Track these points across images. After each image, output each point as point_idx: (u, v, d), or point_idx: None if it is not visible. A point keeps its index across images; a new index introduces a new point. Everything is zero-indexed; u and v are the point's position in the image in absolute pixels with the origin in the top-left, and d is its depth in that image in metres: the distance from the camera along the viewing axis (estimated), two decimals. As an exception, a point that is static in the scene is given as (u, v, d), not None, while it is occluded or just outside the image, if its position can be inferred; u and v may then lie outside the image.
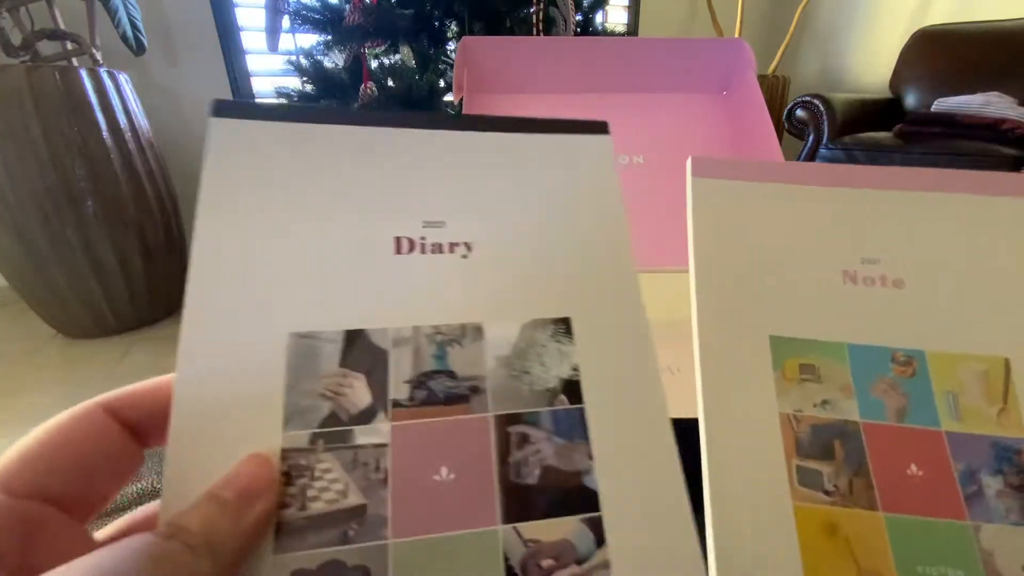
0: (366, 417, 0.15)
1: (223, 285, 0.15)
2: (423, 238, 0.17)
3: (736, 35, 2.28)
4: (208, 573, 0.12)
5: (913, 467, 0.18)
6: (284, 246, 0.16)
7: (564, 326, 0.17)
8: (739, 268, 0.21)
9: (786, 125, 1.89)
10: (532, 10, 1.26)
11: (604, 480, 0.15)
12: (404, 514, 0.14)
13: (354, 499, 0.14)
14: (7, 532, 0.12)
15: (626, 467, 0.15)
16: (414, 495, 0.14)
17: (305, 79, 1.40)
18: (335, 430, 0.14)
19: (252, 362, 0.15)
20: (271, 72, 1.88)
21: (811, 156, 1.78)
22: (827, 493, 0.17)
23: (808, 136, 1.80)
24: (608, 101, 0.50)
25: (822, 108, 1.76)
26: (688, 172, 0.22)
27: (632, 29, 2.39)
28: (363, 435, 0.15)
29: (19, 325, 1.59)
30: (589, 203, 0.19)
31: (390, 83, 1.26)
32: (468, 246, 0.17)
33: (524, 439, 0.15)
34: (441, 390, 0.15)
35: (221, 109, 0.17)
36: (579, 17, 1.40)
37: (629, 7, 2.38)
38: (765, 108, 0.45)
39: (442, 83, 1.29)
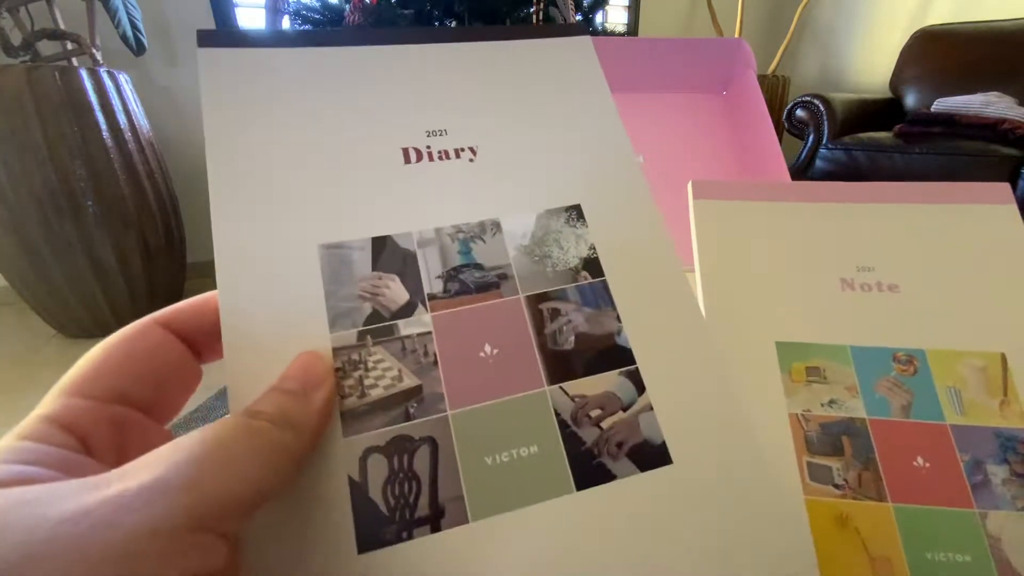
0: (407, 311, 0.16)
1: (246, 206, 0.16)
2: (428, 147, 0.18)
3: (736, 35, 2.28)
4: (292, 444, 0.13)
5: (920, 459, 0.19)
6: (298, 165, 0.17)
7: (576, 212, 0.18)
8: (742, 281, 0.22)
9: (786, 125, 1.89)
10: (532, 10, 1.26)
11: (635, 337, 0.17)
12: (458, 388, 0.15)
13: (409, 382, 0.15)
14: (101, 432, 0.13)
15: (653, 323, 0.17)
16: (464, 371, 0.16)
17: (305, 79, 1.40)
18: (380, 326, 0.16)
19: (288, 275, 0.16)
20: (271, 72, 1.88)
21: (811, 156, 1.78)
22: (837, 487, 0.18)
23: (808, 136, 1.80)
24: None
25: (822, 108, 1.75)
26: (689, 195, 0.24)
27: (632, 29, 2.39)
28: (407, 327, 0.16)
29: (19, 325, 1.58)
30: (581, 99, 0.20)
31: (390, 83, 1.26)
32: (473, 150, 0.18)
33: (556, 312, 0.17)
34: (472, 280, 0.17)
35: (206, 39, 0.17)
36: (579, 17, 1.40)
37: (629, 7, 2.38)
38: (765, 107, 0.45)
39: (442, 83, 1.29)
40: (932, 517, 0.18)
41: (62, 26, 1.37)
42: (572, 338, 0.16)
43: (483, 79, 0.20)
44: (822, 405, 0.20)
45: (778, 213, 0.23)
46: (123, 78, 1.44)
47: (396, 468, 0.14)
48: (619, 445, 0.15)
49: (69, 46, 1.39)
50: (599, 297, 0.17)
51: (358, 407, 0.15)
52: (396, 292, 0.16)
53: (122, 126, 1.40)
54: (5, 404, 1.17)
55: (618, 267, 0.17)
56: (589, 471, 0.15)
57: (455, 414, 0.15)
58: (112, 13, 1.41)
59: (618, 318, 0.17)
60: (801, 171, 1.79)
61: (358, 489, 0.14)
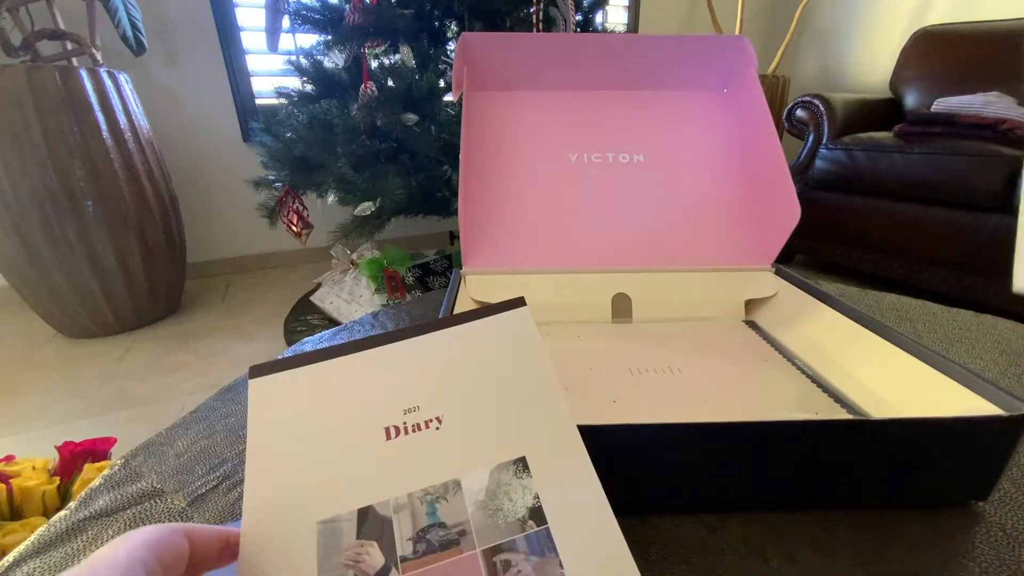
0: (383, 574, 0.18)
1: (268, 489, 0.20)
2: (404, 422, 0.22)
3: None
4: None
5: None
6: (308, 462, 0.21)
7: (522, 464, 0.21)
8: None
9: (786, 125, 1.89)
10: (532, 10, 1.26)
11: None
12: None
13: None
14: None
15: (587, 567, 0.19)
16: None
17: (305, 79, 1.40)
18: None
19: (292, 547, 0.19)
20: (271, 72, 1.88)
21: (811, 156, 1.78)
22: None
23: (808, 136, 1.80)
24: (608, 98, 0.50)
25: (822, 108, 1.75)
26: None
27: (632, 29, 2.39)
28: None
29: (19, 325, 1.58)
30: (522, 365, 0.24)
31: (390, 83, 1.25)
32: (439, 419, 0.22)
33: (508, 564, 0.19)
34: (437, 539, 0.19)
35: (255, 372, 0.23)
36: (579, 17, 1.40)
37: (629, 7, 2.39)
38: (766, 106, 0.45)
39: (442, 83, 1.29)
40: None
41: (62, 26, 1.37)
42: None
43: (446, 360, 0.24)
44: None
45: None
46: (123, 78, 1.44)
47: None
48: None
49: (69, 46, 1.39)
50: (544, 544, 0.19)
51: None
52: (375, 557, 0.19)
53: (122, 126, 1.40)
54: (5, 404, 1.17)
55: (559, 514, 0.20)
56: None
57: None
58: (112, 13, 1.41)
59: (560, 564, 0.19)
60: (801, 171, 1.79)
61: None
